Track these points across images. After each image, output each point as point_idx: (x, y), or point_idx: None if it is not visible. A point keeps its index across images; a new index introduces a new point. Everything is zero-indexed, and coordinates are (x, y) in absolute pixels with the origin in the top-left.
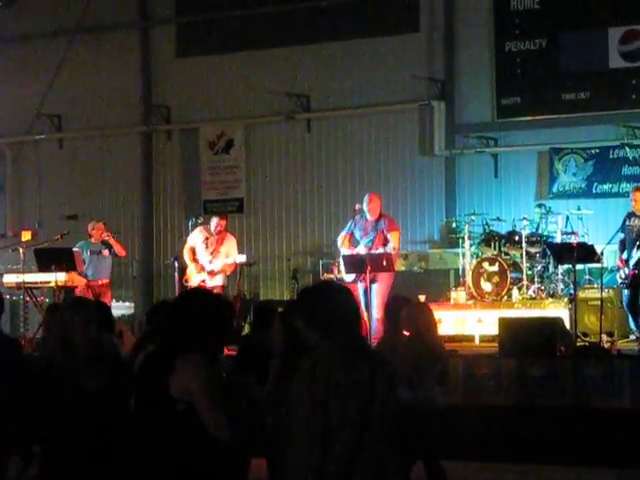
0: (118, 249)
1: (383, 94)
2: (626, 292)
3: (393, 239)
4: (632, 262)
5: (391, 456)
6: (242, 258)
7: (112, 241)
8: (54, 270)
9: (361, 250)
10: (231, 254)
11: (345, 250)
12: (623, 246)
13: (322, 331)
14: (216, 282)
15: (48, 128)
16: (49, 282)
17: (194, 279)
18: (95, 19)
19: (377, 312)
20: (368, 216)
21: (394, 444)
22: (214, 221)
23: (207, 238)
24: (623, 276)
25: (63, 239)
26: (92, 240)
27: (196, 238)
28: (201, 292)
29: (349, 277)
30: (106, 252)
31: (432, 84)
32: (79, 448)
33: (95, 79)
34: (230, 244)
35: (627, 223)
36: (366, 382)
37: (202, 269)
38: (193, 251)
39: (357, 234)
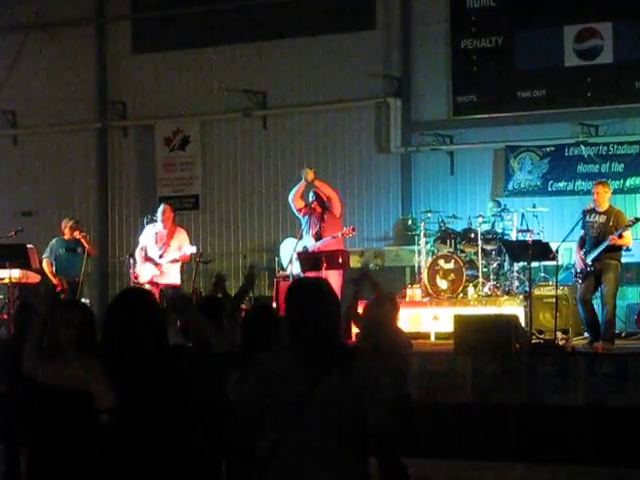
0: (89, 248)
1: (339, 91)
2: (580, 286)
3: (332, 198)
4: (590, 258)
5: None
6: (192, 249)
7: (83, 239)
8: (8, 267)
9: (308, 241)
10: (183, 247)
11: (296, 204)
12: (583, 243)
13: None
14: (169, 280)
15: (2, 124)
16: (3, 279)
17: (144, 276)
18: (50, 15)
19: None
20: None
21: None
22: (160, 208)
23: (157, 233)
24: (578, 270)
25: (17, 235)
26: (65, 237)
27: (147, 236)
28: None
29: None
30: (79, 250)
31: (388, 81)
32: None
33: (50, 75)
34: (181, 237)
35: (587, 219)
36: (302, 386)
37: (155, 264)
38: (144, 251)
39: (305, 229)
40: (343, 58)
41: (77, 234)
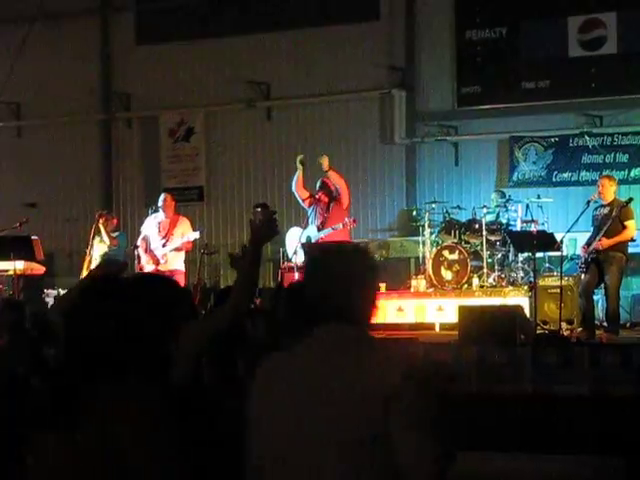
0: (107, 237)
1: (344, 82)
2: (582, 277)
3: (342, 189)
4: (591, 248)
5: None
6: (195, 234)
7: (102, 228)
8: (12, 258)
9: (311, 232)
10: (186, 235)
11: (300, 194)
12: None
13: None
14: (173, 266)
15: (6, 116)
16: (7, 270)
17: (147, 266)
18: (55, 5)
19: None
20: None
21: None
22: (161, 197)
23: (159, 222)
24: (582, 260)
25: (22, 227)
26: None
27: (149, 226)
28: None
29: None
30: (115, 242)
31: (393, 72)
32: None
33: (54, 66)
34: (184, 225)
35: (594, 213)
36: None
37: (157, 263)
38: (146, 241)
39: (311, 218)
40: (347, 49)
41: (99, 224)
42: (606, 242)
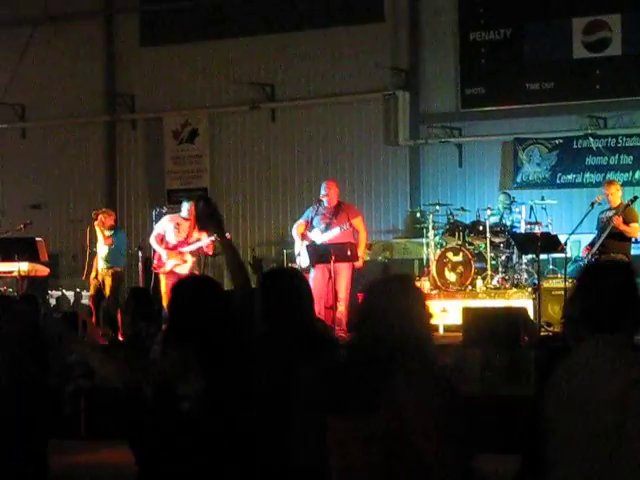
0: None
1: (348, 84)
2: None
3: (358, 225)
4: (596, 247)
5: None
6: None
7: (99, 228)
8: (17, 259)
9: (316, 235)
10: (203, 237)
11: (298, 240)
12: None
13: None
14: (186, 270)
15: (11, 117)
16: (12, 272)
17: (168, 265)
18: (59, 8)
19: (340, 304)
20: (326, 203)
21: None
22: (185, 206)
23: (178, 224)
24: (586, 261)
25: (27, 228)
26: None
27: (165, 226)
28: None
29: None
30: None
31: (396, 74)
32: None
33: (59, 68)
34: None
35: (600, 216)
36: None
37: (179, 253)
38: (162, 239)
39: (316, 221)
40: (351, 50)
41: (95, 225)
42: (623, 226)
